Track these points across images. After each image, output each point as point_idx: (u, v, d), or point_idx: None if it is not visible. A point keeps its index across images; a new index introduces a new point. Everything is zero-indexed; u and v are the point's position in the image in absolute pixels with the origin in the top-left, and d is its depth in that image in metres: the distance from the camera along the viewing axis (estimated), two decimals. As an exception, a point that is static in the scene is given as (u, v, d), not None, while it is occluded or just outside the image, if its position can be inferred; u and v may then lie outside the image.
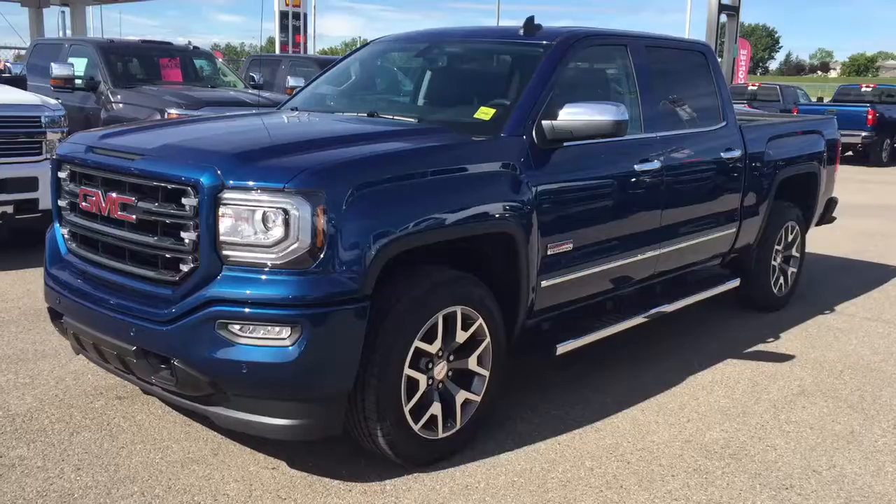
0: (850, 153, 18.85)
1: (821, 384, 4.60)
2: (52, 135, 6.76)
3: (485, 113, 3.86)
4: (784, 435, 3.91)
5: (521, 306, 3.74)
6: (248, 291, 2.92)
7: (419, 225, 3.17)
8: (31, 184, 6.62)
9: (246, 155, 3.10)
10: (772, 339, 5.40)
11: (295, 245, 2.90)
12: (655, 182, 4.44)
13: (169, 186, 3.06)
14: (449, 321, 3.37)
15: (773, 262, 5.88)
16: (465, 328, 3.45)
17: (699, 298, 5.12)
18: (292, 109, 4.58)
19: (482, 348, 3.55)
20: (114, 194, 3.26)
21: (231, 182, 2.94)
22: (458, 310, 3.39)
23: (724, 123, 5.20)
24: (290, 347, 2.89)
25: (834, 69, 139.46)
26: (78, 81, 8.90)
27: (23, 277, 6.17)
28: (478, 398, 3.55)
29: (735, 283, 5.49)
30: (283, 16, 23.86)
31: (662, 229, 4.57)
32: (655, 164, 4.42)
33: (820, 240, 8.17)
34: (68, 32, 27.27)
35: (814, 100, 23.84)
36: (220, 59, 11.66)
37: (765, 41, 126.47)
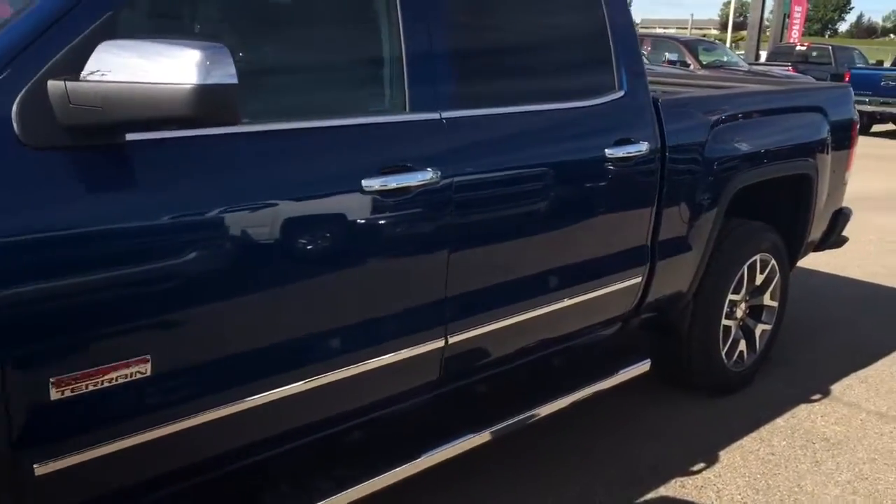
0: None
1: None
2: None
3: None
4: None
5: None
6: None
7: None
8: None
9: None
10: (700, 466, 3.17)
11: None
12: (426, 210, 2.24)
13: None
14: None
15: (723, 321, 3.61)
16: None
17: (552, 410, 2.88)
18: None
19: None
20: None
21: None
22: None
23: (619, 94, 2.90)
24: None
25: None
26: None
27: None
28: None
29: (642, 367, 3.23)
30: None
31: (451, 300, 2.38)
32: (425, 175, 2.21)
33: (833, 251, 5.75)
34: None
35: (872, 62, 20.76)
36: None
37: (835, 1, 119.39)
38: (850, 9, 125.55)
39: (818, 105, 3.92)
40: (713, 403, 3.67)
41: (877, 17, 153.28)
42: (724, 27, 52.36)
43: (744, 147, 3.40)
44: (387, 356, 2.27)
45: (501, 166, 2.46)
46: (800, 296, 5.15)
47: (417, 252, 2.26)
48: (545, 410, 2.86)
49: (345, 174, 2.07)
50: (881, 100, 14.94)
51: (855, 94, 14.25)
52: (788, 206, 3.89)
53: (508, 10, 2.67)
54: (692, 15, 59.38)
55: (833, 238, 4.31)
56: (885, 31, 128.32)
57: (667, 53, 14.07)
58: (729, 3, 42.53)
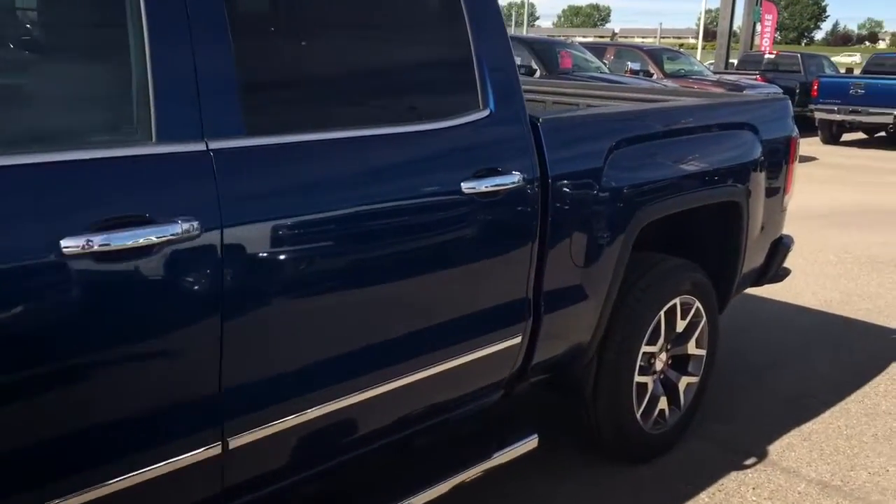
0: (882, 134, 15.57)
1: None
2: None
3: None
4: None
5: None
6: None
7: None
8: None
9: None
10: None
11: None
12: (175, 274, 1.66)
13: None
14: None
15: (637, 377, 3.05)
16: None
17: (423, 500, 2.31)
18: None
19: None
20: None
21: None
22: None
23: (482, 114, 2.34)
24: None
25: (883, 40, 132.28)
26: None
27: None
28: None
29: (527, 444, 2.65)
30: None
31: (228, 393, 1.80)
32: (173, 229, 1.63)
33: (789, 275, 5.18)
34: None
35: (842, 71, 20.39)
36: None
37: (811, 10, 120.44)
38: (826, 17, 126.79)
39: (748, 122, 3.38)
40: (628, 472, 3.11)
41: (852, 25, 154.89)
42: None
43: (652, 173, 2.85)
44: (134, 473, 1.68)
45: (302, 211, 1.88)
46: (748, 330, 4.64)
47: (167, 332, 1.68)
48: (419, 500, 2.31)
49: (39, 232, 1.49)
50: (850, 108, 14.52)
51: (824, 103, 13.68)
52: (716, 238, 3.35)
53: (324, 24, 2.09)
54: (661, 24, 59.46)
55: (772, 272, 3.76)
56: (861, 39, 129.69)
57: (629, 63, 13.58)
58: (706, 11, 42.29)
